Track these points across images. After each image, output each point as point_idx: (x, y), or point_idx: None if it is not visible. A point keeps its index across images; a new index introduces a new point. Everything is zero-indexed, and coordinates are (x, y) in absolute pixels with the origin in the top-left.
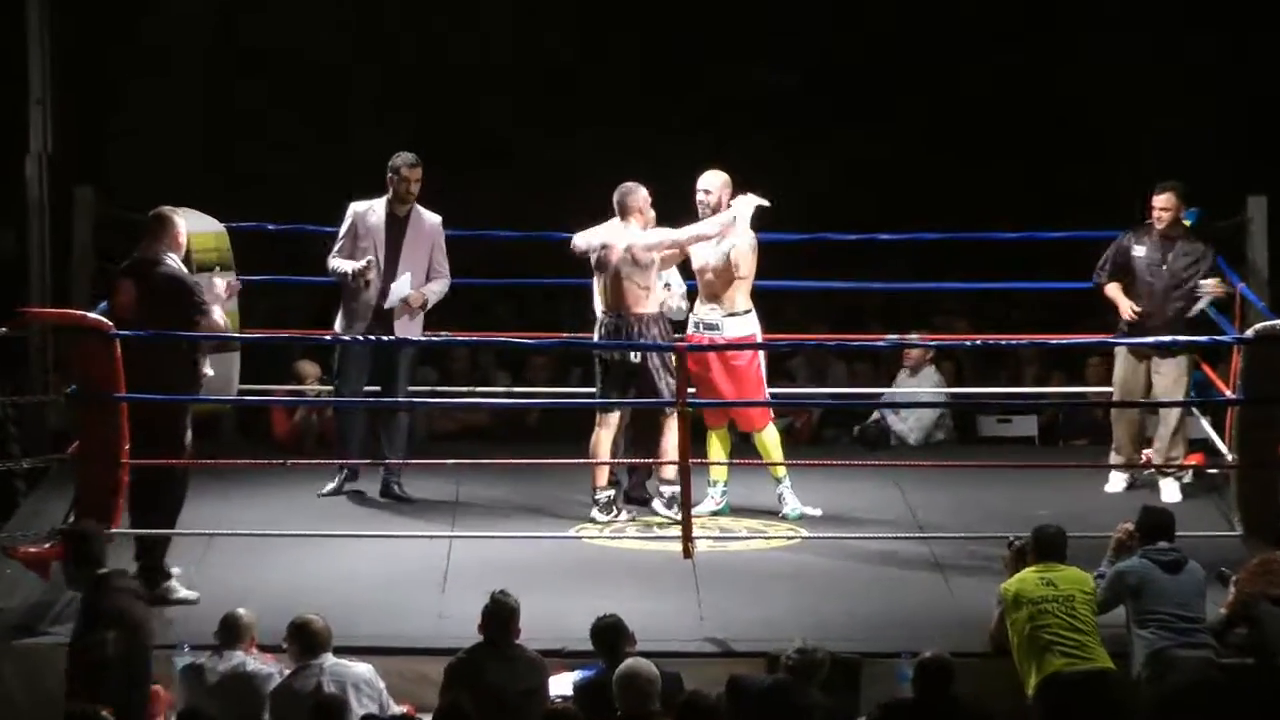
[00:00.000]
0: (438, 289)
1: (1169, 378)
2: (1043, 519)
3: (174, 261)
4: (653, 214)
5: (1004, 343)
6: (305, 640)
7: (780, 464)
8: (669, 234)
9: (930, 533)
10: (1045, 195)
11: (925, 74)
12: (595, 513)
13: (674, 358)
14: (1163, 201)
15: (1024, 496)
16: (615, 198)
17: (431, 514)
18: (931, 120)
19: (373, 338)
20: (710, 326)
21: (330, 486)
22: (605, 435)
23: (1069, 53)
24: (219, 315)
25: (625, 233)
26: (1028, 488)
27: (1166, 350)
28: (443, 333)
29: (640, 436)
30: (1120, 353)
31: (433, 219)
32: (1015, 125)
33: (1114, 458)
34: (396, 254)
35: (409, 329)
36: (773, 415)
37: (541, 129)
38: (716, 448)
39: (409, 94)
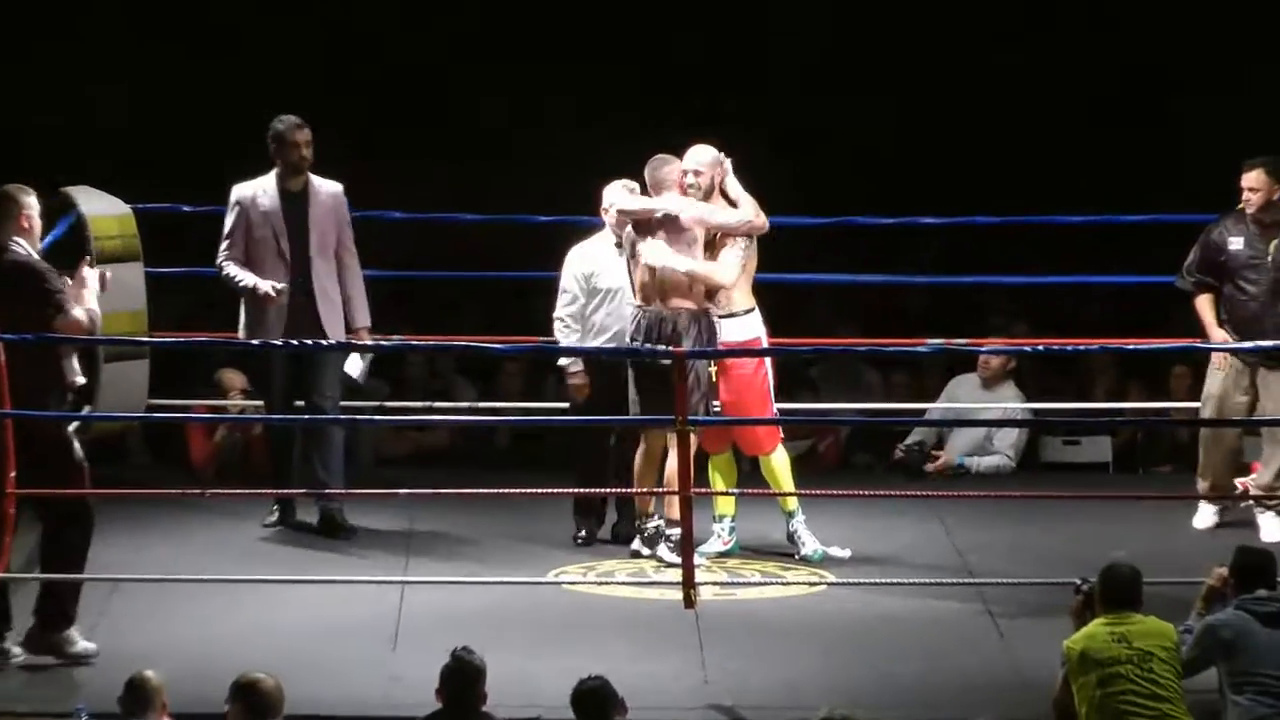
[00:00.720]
0: (359, 283)
1: (1279, 394)
2: (1116, 561)
3: (22, 248)
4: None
5: (1071, 348)
6: (253, 703)
7: (792, 494)
8: (719, 214)
9: (981, 577)
10: (1109, 173)
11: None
12: (663, 552)
13: (708, 367)
14: (1251, 180)
15: (1094, 533)
16: (647, 173)
17: (381, 554)
18: (964, 89)
19: (304, 342)
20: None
21: (273, 517)
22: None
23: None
24: (82, 313)
25: (679, 202)
26: (1099, 523)
27: (1276, 359)
28: (394, 336)
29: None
30: (1216, 360)
31: (332, 189)
32: (1064, 91)
33: (1202, 486)
34: (304, 238)
35: (335, 328)
36: (782, 436)
37: (508, 97)
38: (720, 476)
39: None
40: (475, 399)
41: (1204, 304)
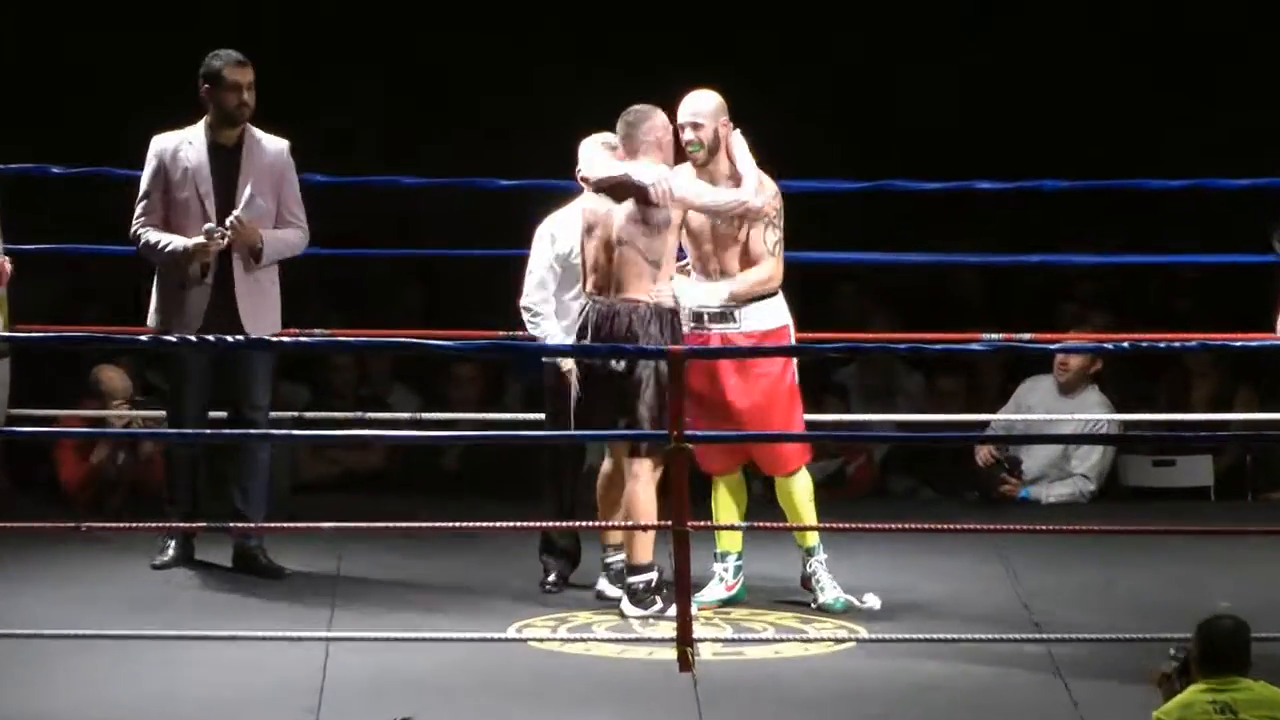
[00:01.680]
0: (291, 240)
1: None
2: (1219, 612)
3: None
4: (673, 147)
5: (1163, 345)
6: None
7: (814, 527)
8: (705, 191)
9: (1050, 632)
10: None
11: None
12: (626, 605)
13: (664, 368)
14: None
15: (1191, 577)
16: (620, 129)
17: (301, 603)
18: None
19: (223, 339)
20: (720, 318)
21: (166, 556)
22: (653, 485)
23: None
24: None
25: (654, 171)
26: (1198, 564)
27: None
28: (316, 330)
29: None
30: None
31: (277, 146)
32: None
33: None
34: (230, 198)
35: (262, 318)
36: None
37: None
38: (727, 502)
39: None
40: (417, 410)
41: None
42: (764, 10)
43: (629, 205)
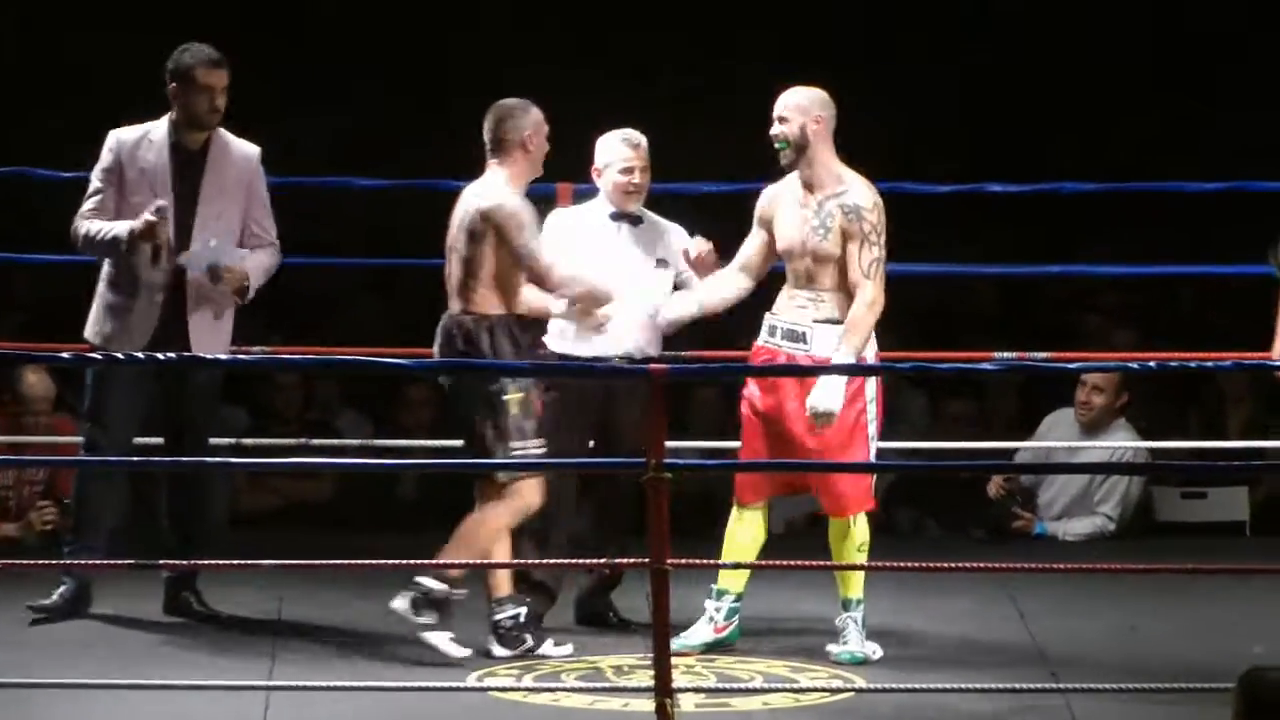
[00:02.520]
0: (268, 264)
1: None
2: (1258, 660)
3: None
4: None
5: (1196, 364)
6: None
7: (802, 565)
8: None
9: (1068, 682)
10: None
11: None
12: (494, 646)
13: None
14: None
15: (1224, 622)
16: (487, 124)
17: (238, 649)
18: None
19: (156, 356)
20: (791, 336)
21: (55, 597)
22: (511, 519)
23: None
24: None
25: (491, 188)
26: (1231, 606)
27: None
28: (256, 348)
29: (605, 515)
30: None
31: (247, 152)
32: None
33: None
34: (191, 208)
35: (213, 337)
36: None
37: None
38: (741, 536)
39: None
40: (369, 435)
41: None
42: (763, 8)
43: (472, 213)
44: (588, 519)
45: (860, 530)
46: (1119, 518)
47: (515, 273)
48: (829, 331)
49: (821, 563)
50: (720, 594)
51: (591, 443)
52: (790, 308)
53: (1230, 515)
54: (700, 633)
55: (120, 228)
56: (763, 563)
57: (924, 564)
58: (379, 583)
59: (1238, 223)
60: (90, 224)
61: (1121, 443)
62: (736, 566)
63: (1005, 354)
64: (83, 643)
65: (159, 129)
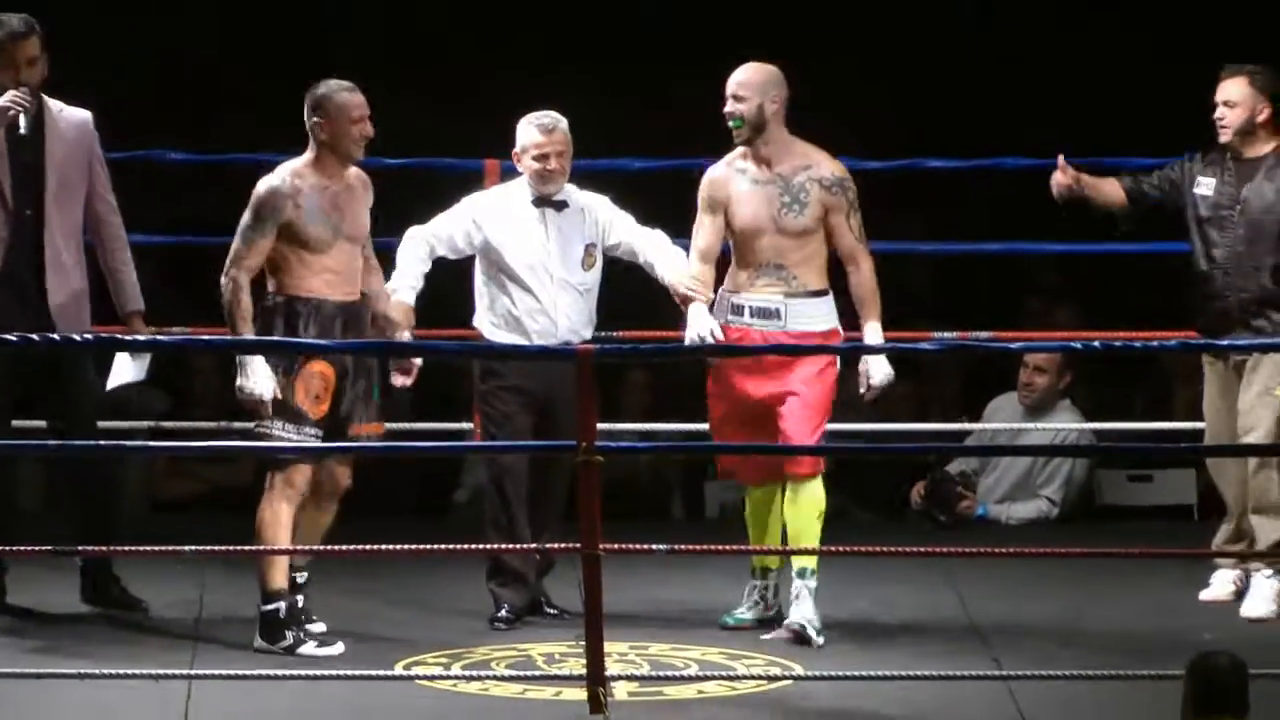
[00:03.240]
0: (131, 280)
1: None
2: (1208, 646)
3: None
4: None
5: (1140, 344)
6: None
7: (743, 550)
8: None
9: (1010, 669)
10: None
11: None
12: (256, 638)
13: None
14: (1227, 93)
15: (1171, 607)
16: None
17: (160, 636)
18: None
19: (70, 337)
20: (763, 314)
21: None
22: (284, 503)
23: None
24: None
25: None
26: (1178, 591)
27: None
28: (175, 329)
29: (541, 500)
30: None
31: (77, 117)
32: None
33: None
34: (36, 183)
35: (76, 315)
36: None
37: None
38: (755, 519)
39: None
40: None
41: None
42: None
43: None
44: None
45: (820, 494)
46: (1063, 501)
47: (287, 252)
48: (804, 304)
49: (769, 549)
50: (765, 571)
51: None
52: (755, 285)
53: (1177, 498)
54: (753, 610)
55: None
56: (698, 547)
57: (862, 548)
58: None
59: None
60: None
61: (1065, 424)
62: (672, 551)
63: (945, 334)
64: (3, 631)
65: None
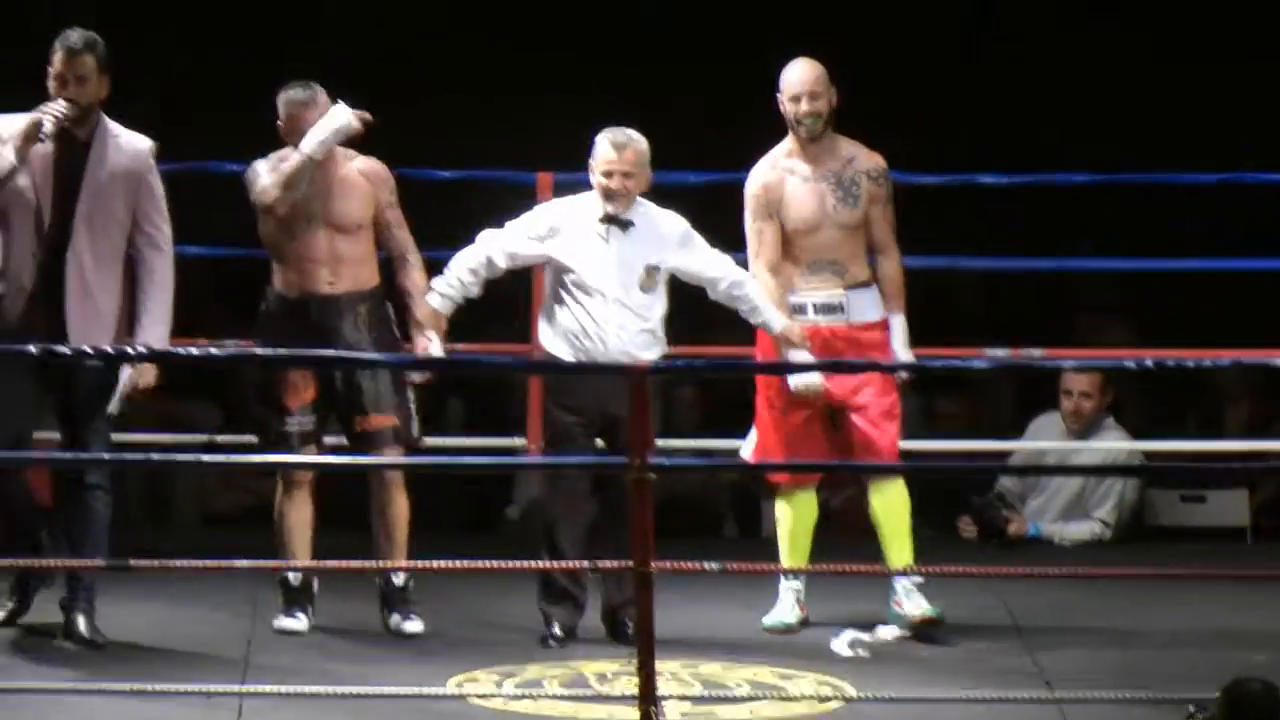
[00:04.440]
0: (165, 296)
1: None
2: (1255, 669)
3: None
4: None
5: (1192, 362)
6: None
7: (796, 570)
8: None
9: (1062, 691)
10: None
11: None
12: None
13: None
14: None
15: (1224, 629)
16: (291, 107)
17: (210, 652)
18: None
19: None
20: (826, 310)
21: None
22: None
23: None
24: None
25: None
26: (1231, 613)
27: None
28: (229, 342)
29: (612, 517)
30: None
31: (134, 145)
32: None
33: None
34: (70, 204)
35: (96, 327)
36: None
37: None
38: (797, 520)
39: None
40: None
41: None
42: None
43: None
44: (598, 521)
45: (905, 492)
46: (1115, 522)
47: (274, 238)
48: (863, 295)
49: (822, 567)
50: (798, 575)
51: (600, 443)
52: (810, 282)
53: (1231, 520)
54: (790, 613)
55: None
56: (749, 567)
57: (913, 569)
58: (357, 584)
59: (1237, 215)
60: None
61: (1115, 444)
62: (704, 570)
63: (997, 351)
64: (38, 645)
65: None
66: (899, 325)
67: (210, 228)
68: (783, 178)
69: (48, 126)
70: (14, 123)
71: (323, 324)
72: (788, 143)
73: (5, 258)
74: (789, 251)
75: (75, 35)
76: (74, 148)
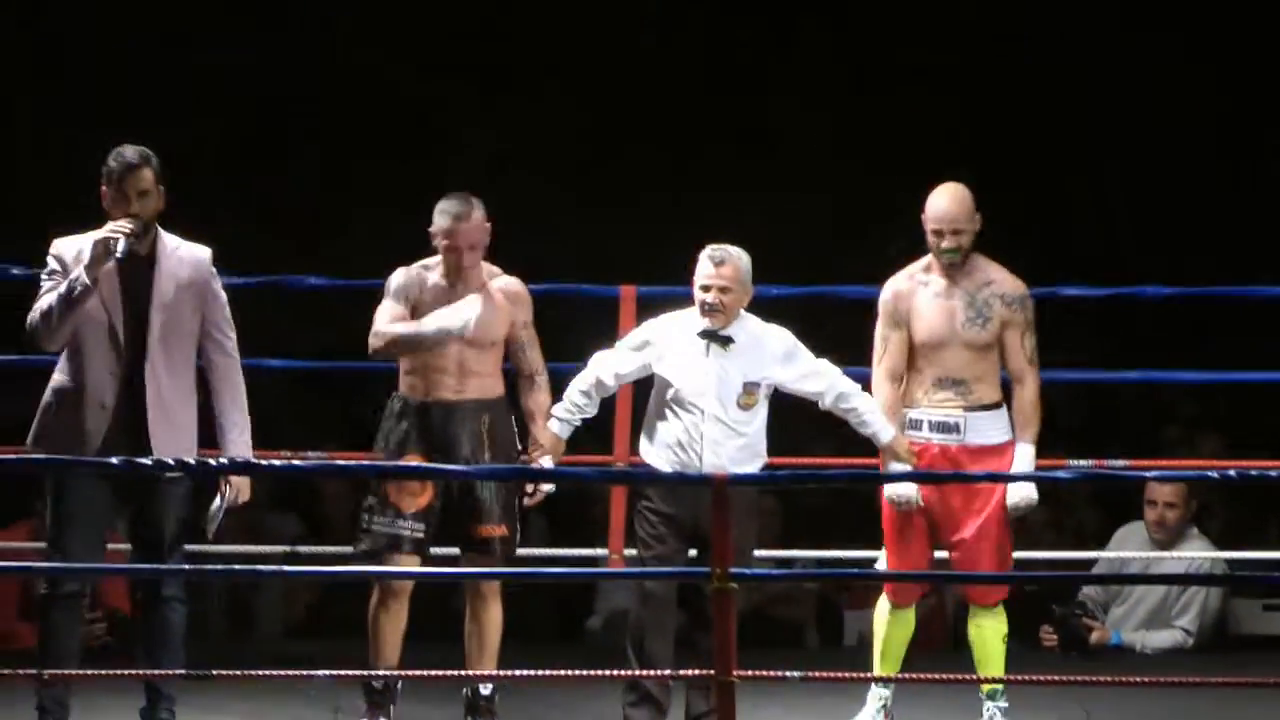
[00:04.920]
0: (242, 426)
1: None
2: None
3: None
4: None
5: (1276, 473)
6: None
7: (880, 678)
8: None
9: None
10: None
11: None
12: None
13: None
14: None
15: None
16: (448, 221)
17: None
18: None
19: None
20: (944, 429)
21: None
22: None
23: None
24: None
25: None
26: None
27: None
28: (310, 454)
29: (699, 625)
30: None
31: (194, 255)
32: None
33: None
34: (143, 320)
35: (175, 441)
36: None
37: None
38: (898, 633)
39: None
40: None
41: None
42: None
43: None
44: (685, 629)
45: (1003, 619)
46: (1198, 630)
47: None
48: (983, 418)
49: (905, 676)
50: (887, 682)
51: (693, 552)
52: (932, 399)
53: None
54: (878, 718)
55: (68, 288)
56: (829, 674)
57: (994, 677)
58: (437, 693)
59: None
60: (38, 303)
61: (1198, 553)
62: (805, 679)
63: (1081, 461)
64: None
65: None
66: (1023, 453)
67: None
68: (915, 289)
69: (122, 245)
70: (78, 244)
71: (445, 430)
72: (927, 258)
73: (82, 379)
74: (916, 365)
75: (130, 151)
76: (137, 263)
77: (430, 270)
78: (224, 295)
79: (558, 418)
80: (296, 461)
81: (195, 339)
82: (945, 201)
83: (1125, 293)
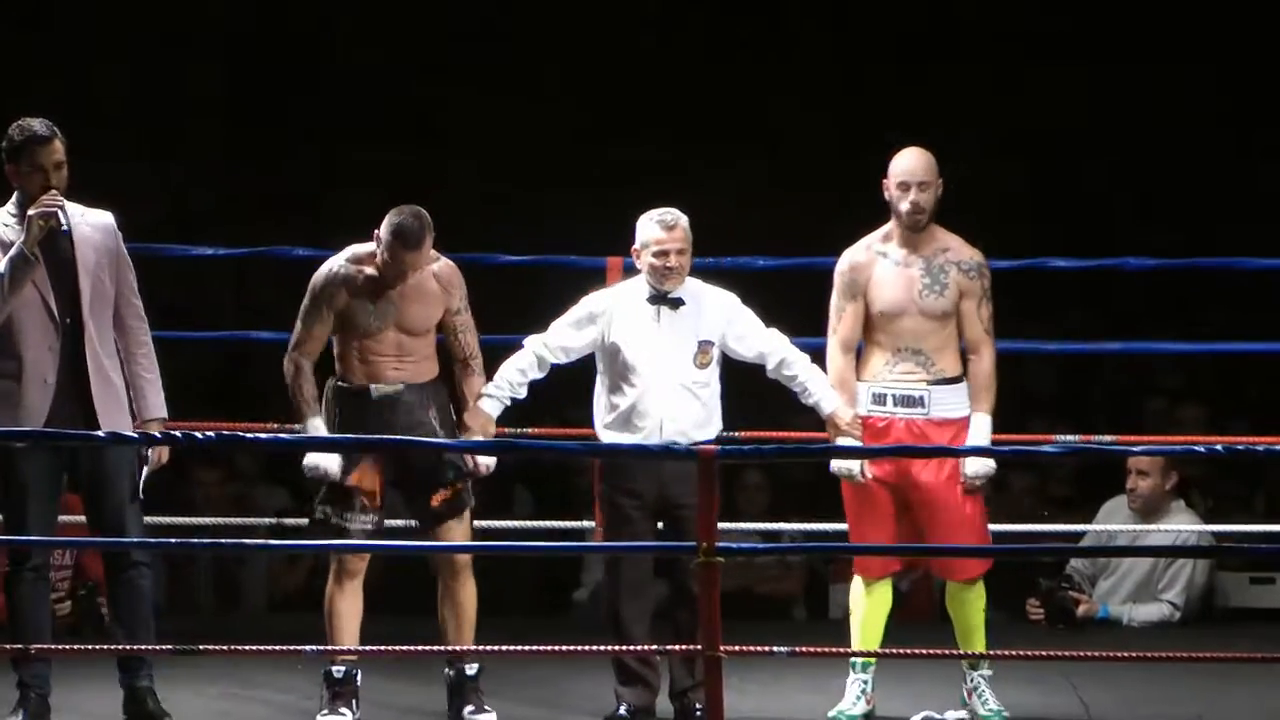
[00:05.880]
0: (156, 387)
1: None
2: None
3: None
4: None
5: (1264, 448)
6: None
7: (863, 653)
8: None
9: None
10: None
11: None
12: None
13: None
14: None
15: None
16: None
17: None
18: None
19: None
20: (909, 402)
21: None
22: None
23: None
24: None
25: None
26: None
27: None
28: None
29: (677, 601)
30: None
31: (104, 221)
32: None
33: None
34: (73, 290)
35: (119, 409)
36: None
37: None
38: (873, 610)
39: None
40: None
41: None
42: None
43: None
44: (661, 606)
45: (982, 593)
46: (1185, 604)
47: (341, 339)
48: (947, 391)
49: (892, 650)
50: (865, 666)
51: (660, 526)
52: (893, 372)
53: None
54: (857, 704)
55: (16, 247)
56: (817, 649)
57: (980, 653)
58: (425, 667)
59: None
60: None
61: (1182, 526)
62: (792, 654)
63: (1067, 436)
64: None
65: (7, 212)
66: (979, 423)
67: None
68: (873, 259)
69: (62, 218)
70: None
71: (382, 411)
72: (886, 227)
73: (20, 357)
74: (875, 337)
75: (37, 123)
76: (55, 235)
77: (363, 264)
78: (128, 256)
79: (488, 395)
80: (283, 435)
81: (113, 304)
82: (912, 157)
83: (1110, 264)
